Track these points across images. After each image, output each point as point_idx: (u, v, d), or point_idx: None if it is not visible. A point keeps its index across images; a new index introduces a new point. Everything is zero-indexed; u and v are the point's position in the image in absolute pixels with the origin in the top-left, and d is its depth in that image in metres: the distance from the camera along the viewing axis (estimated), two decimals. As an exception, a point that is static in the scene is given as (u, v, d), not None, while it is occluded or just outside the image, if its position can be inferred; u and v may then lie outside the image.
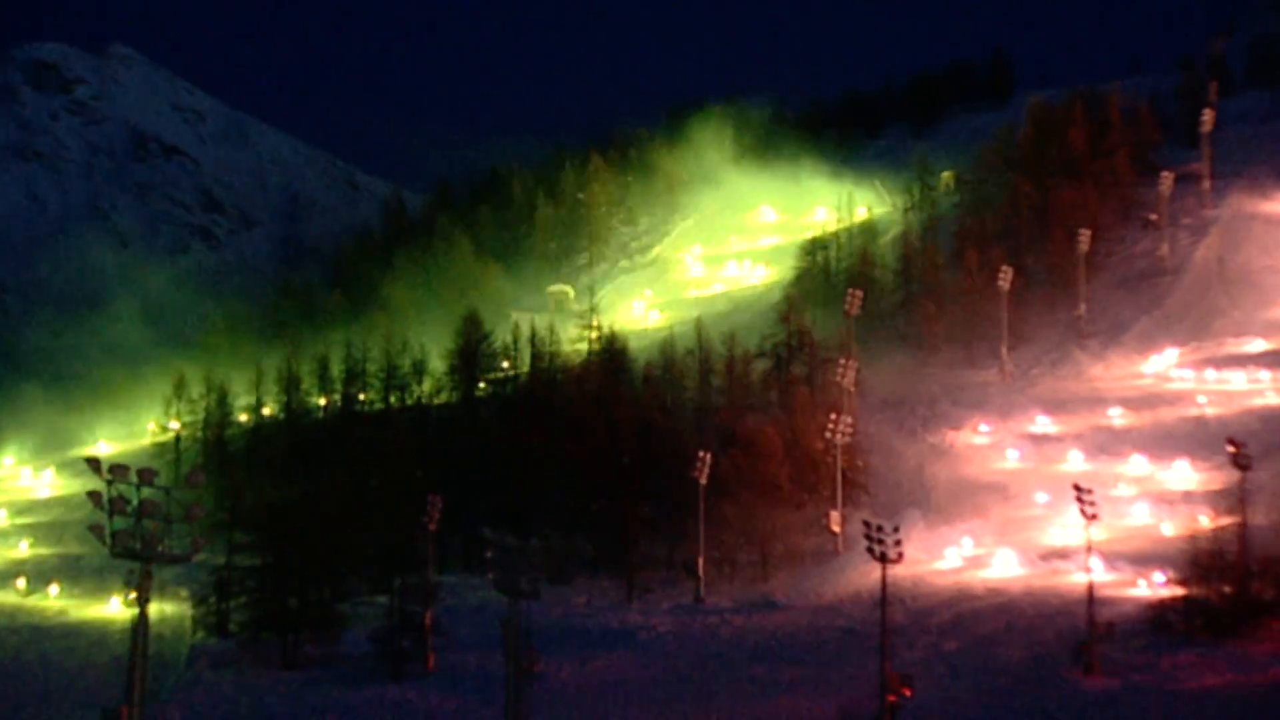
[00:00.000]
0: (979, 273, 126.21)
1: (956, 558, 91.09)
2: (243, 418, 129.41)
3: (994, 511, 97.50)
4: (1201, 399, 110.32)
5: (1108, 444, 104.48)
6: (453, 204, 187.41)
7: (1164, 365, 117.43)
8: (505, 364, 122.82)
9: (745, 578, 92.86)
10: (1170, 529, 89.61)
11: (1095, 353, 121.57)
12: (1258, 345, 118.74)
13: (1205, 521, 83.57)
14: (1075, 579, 79.56)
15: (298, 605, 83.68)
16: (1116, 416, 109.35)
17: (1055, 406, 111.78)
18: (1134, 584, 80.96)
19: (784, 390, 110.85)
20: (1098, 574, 74.95)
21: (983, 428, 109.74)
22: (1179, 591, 74.88)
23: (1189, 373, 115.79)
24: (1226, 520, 79.89)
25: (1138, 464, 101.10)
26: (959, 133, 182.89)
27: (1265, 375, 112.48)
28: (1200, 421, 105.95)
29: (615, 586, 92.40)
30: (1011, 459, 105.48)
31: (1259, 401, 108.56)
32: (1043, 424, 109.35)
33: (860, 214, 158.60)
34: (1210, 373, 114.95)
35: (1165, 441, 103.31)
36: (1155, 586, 79.10)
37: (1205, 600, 73.25)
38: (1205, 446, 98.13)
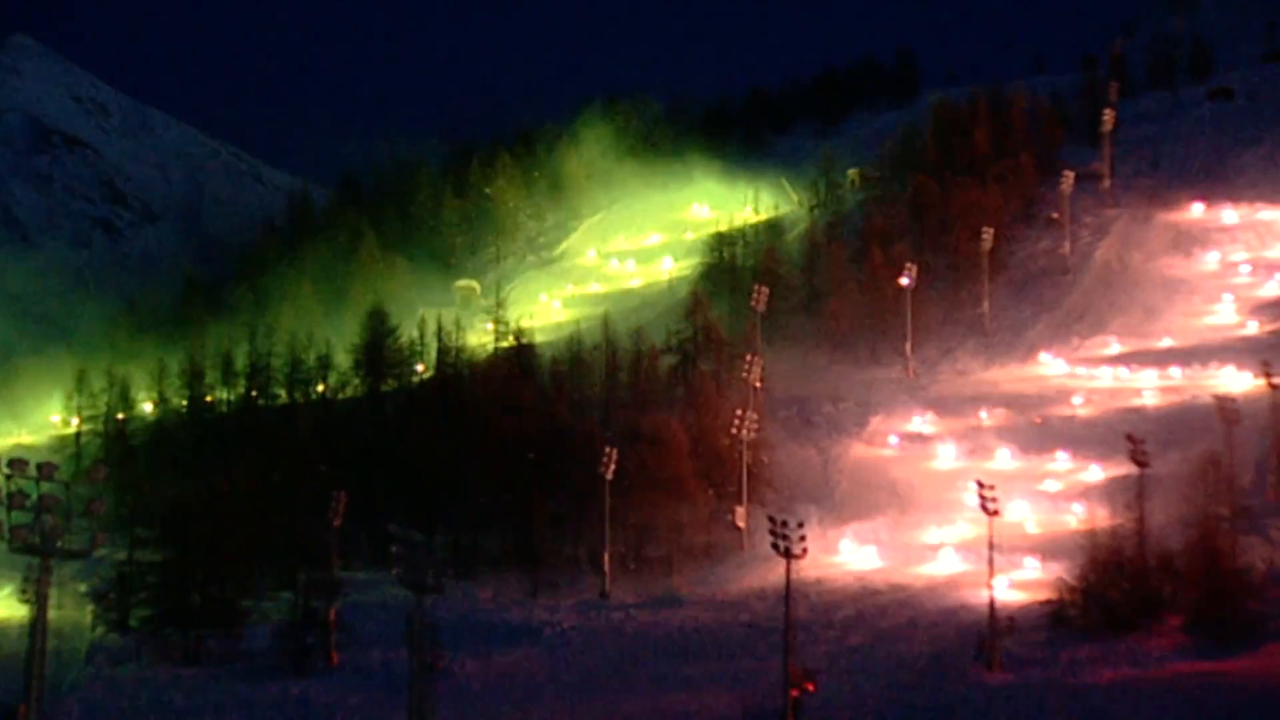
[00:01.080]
0: (883, 270, 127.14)
1: (860, 553, 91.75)
2: (146, 410, 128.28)
3: (896, 507, 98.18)
4: (1101, 395, 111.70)
5: (1010, 440, 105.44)
6: (359, 199, 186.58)
7: (1063, 363, 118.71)
8: (412, 359, 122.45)
9: (650, 573, 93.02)
10: (1072, 524, 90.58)
11: (997, 350, 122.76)
12: (1158, 343, 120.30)
13: (1105, 517, 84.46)
14: (979, 574, 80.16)
15: (200, 601, 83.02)
16: (1018, 413, 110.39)
17: (957, 403, 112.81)
18: (1039, 579, 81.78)
19: (690, 386, 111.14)
20: (1000, 569, 75.61)
21: (885, 425, 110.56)
22: (1076, 585, 75.67)
23: (1089, 370, 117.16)
24: (1125, 516, 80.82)
25: (1039, 459, 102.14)
26: (865, 131, 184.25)
27: (1169, 373, 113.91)
28: (1101, 418, 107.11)
29: (521, 582, 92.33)
30: (913, 455, 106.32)
31: (1160, 399, 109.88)
32: (945, 421, 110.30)
33: (751, 210, 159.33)
34: (1111, 370, 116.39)
35: (1063, 439, 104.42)
36: (1054, 580, 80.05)
37: (1104, 595, 74.15)
38: (1104, 444, 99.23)
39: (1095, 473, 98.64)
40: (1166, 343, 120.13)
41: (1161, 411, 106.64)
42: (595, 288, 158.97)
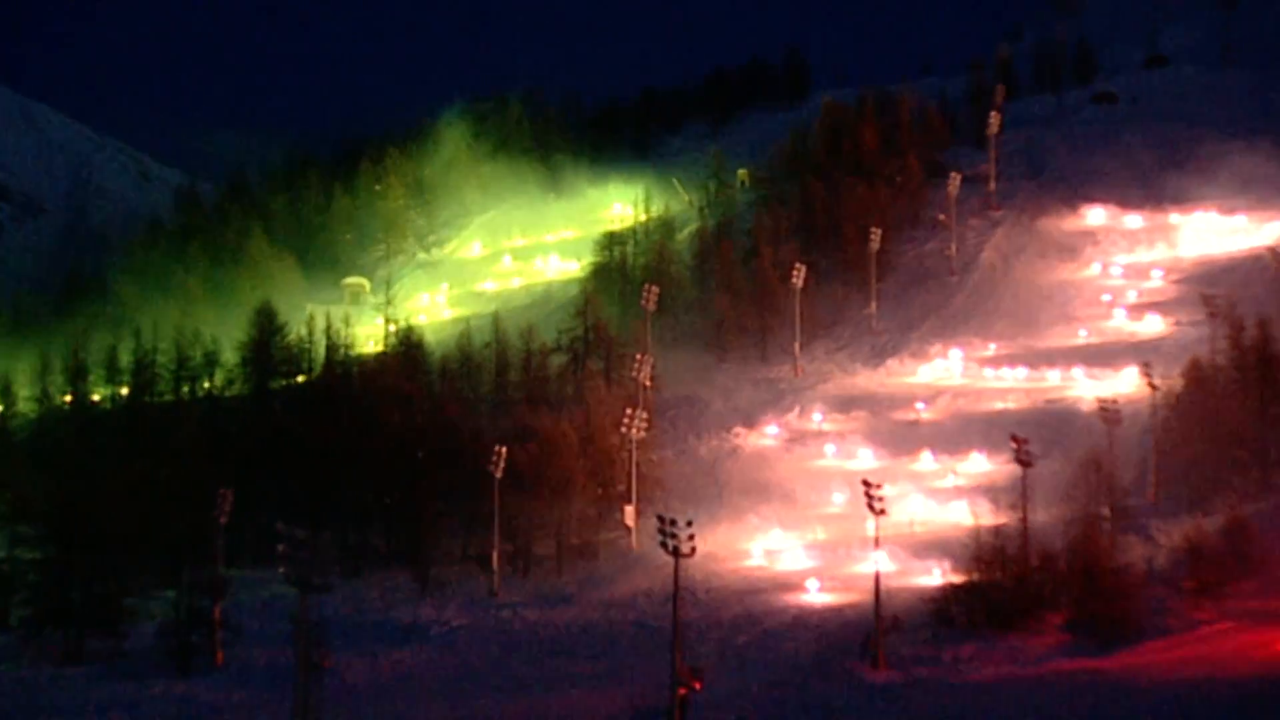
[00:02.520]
0: (773, 270, 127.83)
1: (748, 552, 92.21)
2: (28, 407, 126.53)
3: (784, 507, 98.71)
4: (986, 396, 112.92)
5: (896, 440, 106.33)
6: (247, 194, 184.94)
7: (950, 363, 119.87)
8: (299, 356, 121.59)
9: (539, 572, 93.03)
10: (956, 523, 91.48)
11: (885, 350, 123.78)
12: (1042, 344, 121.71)
13: (989, 516, 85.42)
14: (862, 572, 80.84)
15: (82, 599, 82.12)
16: (905, 413, 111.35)
17: (845, 403, 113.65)
18: (919, 577, 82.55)
19: (580, 385, 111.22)
20: (884, 568, 76.27)
21: (774, 425, 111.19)
22: (960, 584, 76.46)
23: (974, 371, 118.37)
24: (1008, 515, 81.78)
25: (925, 460, 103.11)
26: (755, 131, 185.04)
27: (1052, 374, 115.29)
28: (986, 418, 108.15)
29: (408, 581, 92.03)
30: (802, 455, 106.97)
31: (1043, 400, 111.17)
32: (833, 420, 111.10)
33: (657, 210, 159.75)
34: (996, 371, 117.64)
35: (951, 437, 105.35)
36: (939, 578, 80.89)
37: (987, 594, 74.98)
38: (990, 443, 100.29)
39: (981, 472, 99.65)
40: (1050, 344, 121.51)
41: (1044, 412, 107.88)
42: (485, 286, 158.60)
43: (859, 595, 78.71)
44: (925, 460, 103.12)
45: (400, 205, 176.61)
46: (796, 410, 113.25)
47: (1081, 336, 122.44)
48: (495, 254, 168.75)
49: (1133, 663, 67.48)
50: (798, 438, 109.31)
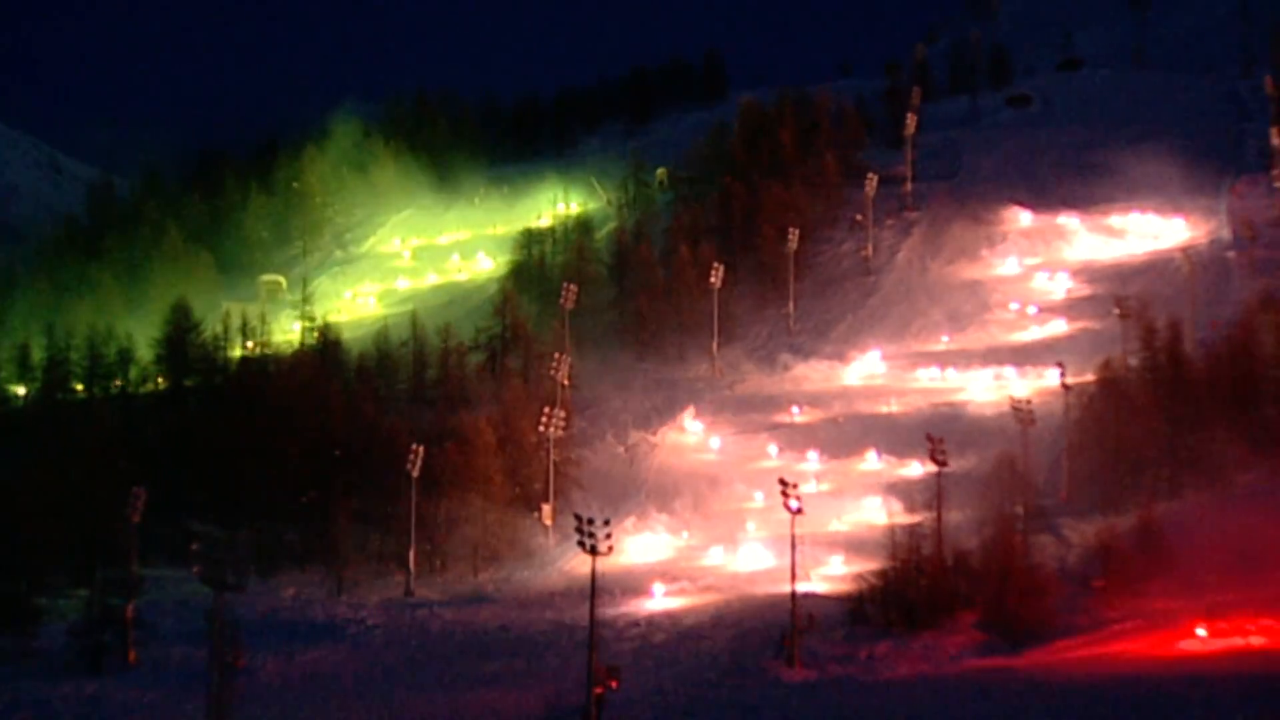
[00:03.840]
0: (691, 270, 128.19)
1: (667, 550, 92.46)
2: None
3: (703, 506, 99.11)
4: (903, 396, 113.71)
5: (812, 440, 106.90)
6: (163, 191, 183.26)
7: (867, 363, 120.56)
8: (215, 354, 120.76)
9: (456, 571, 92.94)
10: (871, 523, 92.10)
11: (802, 350, 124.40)
12: (957, 345, 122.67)
13: (904, 516, 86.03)
14: (782, 571, 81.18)
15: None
16: (822, 412, 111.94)
17: (763, 403, 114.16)
18: (841, 576, 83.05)
19: (498, 384, 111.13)
20: (804, 566, 76.67)
21: (694, 424, 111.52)
22: (875, 583, 76.95)
23: (891, 371, 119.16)
24: (924, 515, 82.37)
25: (843, 459, 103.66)
26: (674, 131, 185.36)
27: (967, 374, 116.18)
28: (900, 418, 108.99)
29: (324, 580, 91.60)
30: (720, 455, 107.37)
31: (958, 399, 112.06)
32: (752, 420, 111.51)
33: (575, 209, 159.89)
34: (911, 371, 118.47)
35: (866, 437, 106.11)
36: (848, 576, 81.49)
37: (902, 593, 75.51)
38: (903, 443, 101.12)
39: (896, 472, 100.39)
40: (965, 344, 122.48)
41: (959, 412, 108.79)
42: (403, 284, 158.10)
43: (777, 594, 79.07)
44: (843, 459, 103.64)
45: (317, 203, 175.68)
46: (714, 409, 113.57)
47: (996, 337, 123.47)
48: (413, 252, 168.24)
49: (1044, 661, 68.17)
50: (715, 438, 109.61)
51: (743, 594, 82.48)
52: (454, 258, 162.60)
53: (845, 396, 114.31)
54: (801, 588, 73.79)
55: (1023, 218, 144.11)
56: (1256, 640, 67.50)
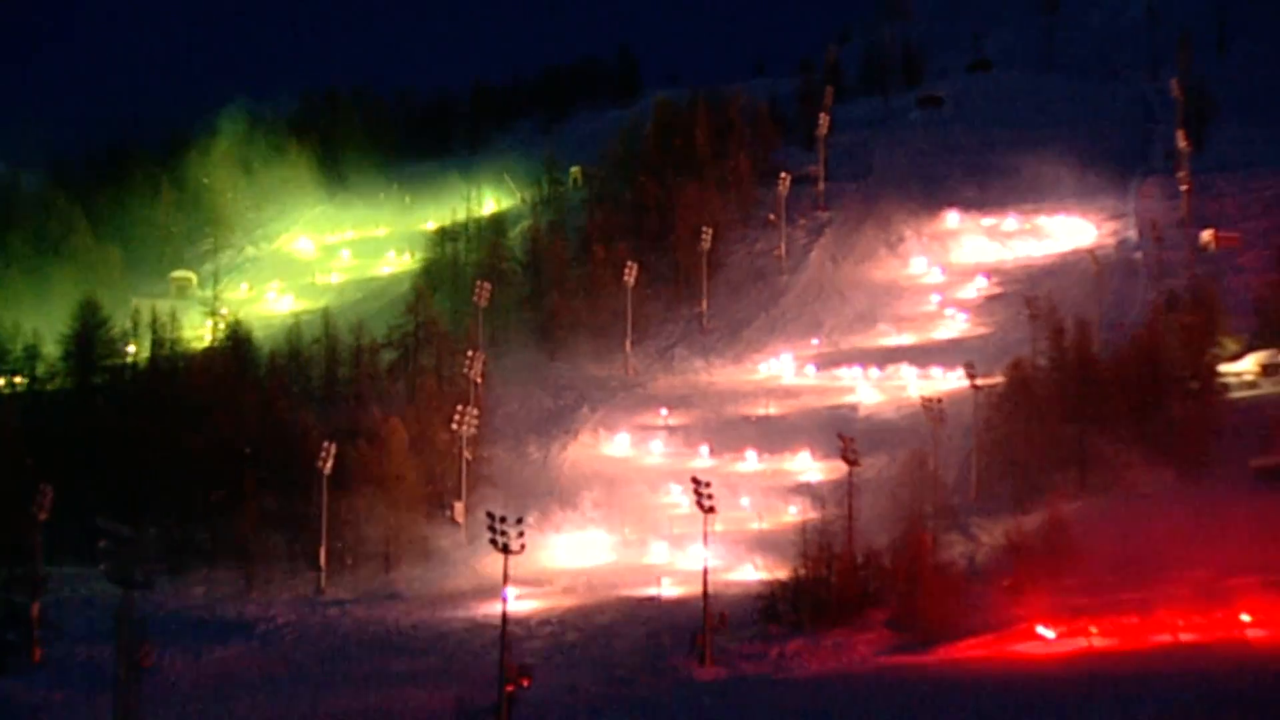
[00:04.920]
0: (605, 268, 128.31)
1: (579, 549, 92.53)
2: None
3: (615, 504, 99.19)
4: (813, 395, 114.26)
5: (725, 438, 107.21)
6: (71, 185, 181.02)
7: (779, 362, 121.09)
8: (124, 351, 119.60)
9: (368, 569, 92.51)
10: (784, 521, 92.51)
11: (715, 349, 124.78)
12: (869, 344, 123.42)
13: (816, 514, 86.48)
14: (693, 569, 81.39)
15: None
16: (734, 411, 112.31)
17: (676, 402, 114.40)
18: (746, 574, 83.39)
19: (411, 381, 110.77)
20: (713, 565, 76.90)
21: (605, 422, 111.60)
22: (786, 581, 77.30)
23: (802, 370, 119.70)
24: (835, 514, 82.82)
25: (754, 458, 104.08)
26: (588, 129, 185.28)
27: (878, 373, 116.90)
28: (813, 417, 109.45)
29: (234, 578, 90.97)
30: (633, 453, 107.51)
31: (870, 399, 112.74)
32: (663, 419, 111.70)
33: (489, 206, 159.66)
34: (822, 370, 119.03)
35: (779, 437, 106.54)
36: (761, 575, 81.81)
37: (813, 591, 75.90)
38: (815, 442, 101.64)
39: (808, 470, 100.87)
40: (876, 343, 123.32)
41: (871, 411, 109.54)
42: (315, 280, 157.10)
43: (688, 592, 79.30)
44: (754, 459, 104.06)
45: (228, 199, 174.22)
46: (627, 408, 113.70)
47: (907, 336, 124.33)
48: (325, 248, 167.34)
49: (953, 658, 68.78)
50: (627, 436, 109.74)
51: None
52: (366, 255, 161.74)
53: (757, 395, 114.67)
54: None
55: (934, 218, 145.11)
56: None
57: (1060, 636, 69.80)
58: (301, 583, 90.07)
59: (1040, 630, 70.04)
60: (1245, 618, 68.74)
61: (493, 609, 75.05)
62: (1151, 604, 71.08)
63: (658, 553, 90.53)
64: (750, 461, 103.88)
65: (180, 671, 71.41)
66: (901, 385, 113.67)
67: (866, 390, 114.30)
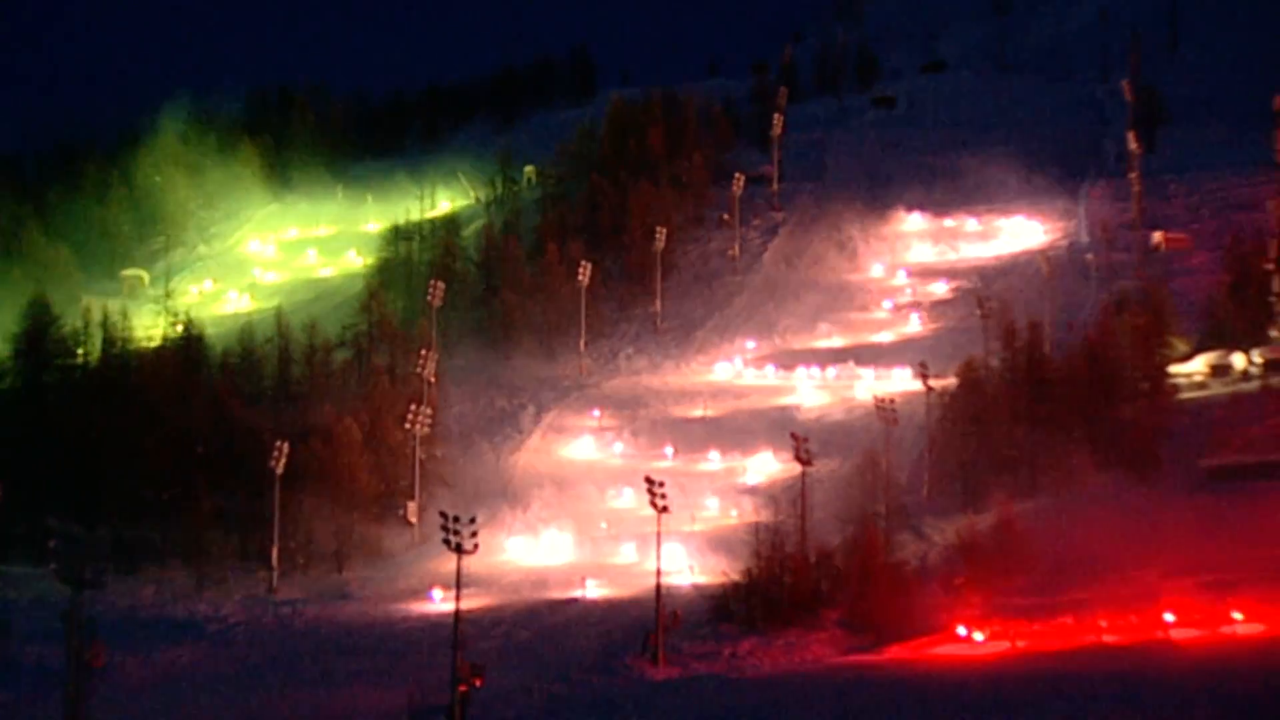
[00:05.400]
0: (559, 268, 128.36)
1: (532, 549, 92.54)
2: None
3: (570, 503, 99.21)
4: (766, 395, 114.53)
5: (679, 439, 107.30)
6: (20, 182, 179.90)
7: (733, 363, 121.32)
8: (74, 349, 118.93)
9: (320, 569, 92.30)
10: (737, 521, 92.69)
11: (670, 349, 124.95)
12: (822, 344, 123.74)
13: (770, 515, 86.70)
14: (647, 569, 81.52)
15: None
16: (689, 412, 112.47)
17: (630, 401, 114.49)
18: (707, 575, 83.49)
19: (364, 380, 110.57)
20: (666, 564, 77.05)
21: (558, 422, 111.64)
22: (739, 580, 77.50)
23: (756, 370, 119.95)
24: (788, 513, 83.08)
25: (709, 458, 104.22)
26: (543, 128, 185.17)
27: (832, 373, 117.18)
28: (768, 417, 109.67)
29: (185, 577, 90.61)
30: (587, 452, 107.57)
31: (823, 399, 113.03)
32: (617, 418, 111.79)
33: (443, 206, 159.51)
34: (777, 370, 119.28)
35: (734, 436, 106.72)
36: (698, 580, 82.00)
37: (766, 591, 76.13)
38: (772, 441, 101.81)
39: (761, 470, 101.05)
40: (831, 343, 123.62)
41: (825, 411, 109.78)
42: (269, 279, 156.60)
43: (641, 591, 79.42)
44: (708, 458, 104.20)
45: (180, 197, 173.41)
46: (580, 407, 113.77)
47: (861, 337, 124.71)
48: (279, 247, 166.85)
49: (904, 658, 69.10)
50: (581, 435, 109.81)
51: (610, 591, 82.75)
52: (318, 254, 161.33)
53: (711, 395, 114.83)
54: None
55: (888, 218, 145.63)
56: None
57: (990, 638, 70.24)
58: (253, 582, 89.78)
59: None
60: (1169, 617, 69.19)
61: (445, 608, 75.06)
62: (1091, 604, 71.52)
63: (606, 553, 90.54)
64: (705, 461, 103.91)
65: (131, 671, 71.10)
66: (849, 385, 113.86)
67: (818, 391, 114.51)
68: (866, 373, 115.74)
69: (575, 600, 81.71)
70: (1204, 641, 66.61)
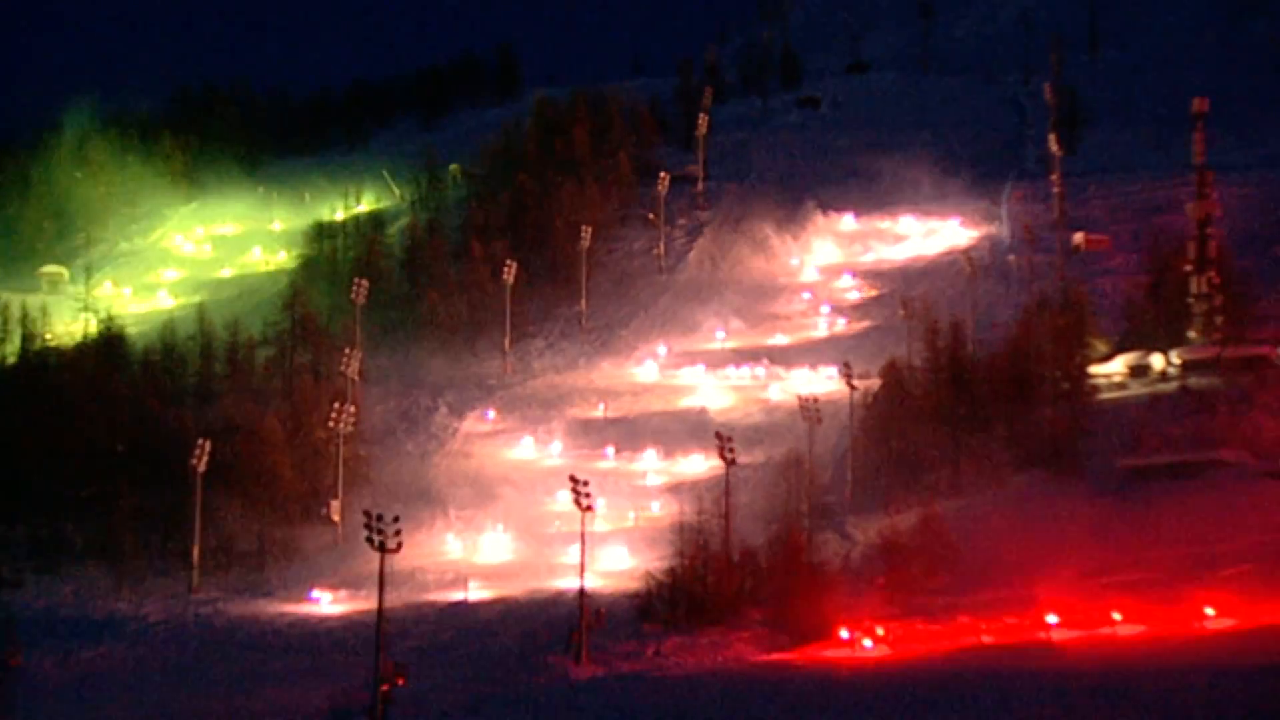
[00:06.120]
0: (483, 266, 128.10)
1: (455, 547, 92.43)
2: None
3: (494, 502, 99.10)
4: (690, 394, 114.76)
5: (604, 437, 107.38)
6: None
7: (657, 361, 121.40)
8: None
9: (242, 568, 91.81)
10: (661, 520, 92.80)
11: (593, 348, 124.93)
12: (747, 343, 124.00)
13: (694, 513, 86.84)
14: (571, 567, 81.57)
15: None
16: (613, 410, 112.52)
17: (554, 400, 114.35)
18: (629, 573, 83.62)
19: (287, 378, 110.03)
20: (593, 563, 77.17)
21: (483, 421, 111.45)
22: (663, 579, 77.62)
23: (679, 369, 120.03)
24: (711, 512, 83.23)
25: (632, 457, 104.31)
26: (467, 126, 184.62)
27: (756, 372, 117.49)
28: (691, 416, 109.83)
29: (105, 576, 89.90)
30: (512, 451, 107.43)
31: (747, 398, 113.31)
32: (541, 417, 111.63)
33: (359, 207, 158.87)
34: (702, 369, 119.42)
35: (658, 435, 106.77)
36: (644, 576, 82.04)
37: (689, 589, 76.30)
38: (694, 441, 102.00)
39: (685, 469, 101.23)
40: (754, 343, 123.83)
41: (748, 410, 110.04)
42: (191, 277, 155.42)
43: (565, 590, 79.49)
44: (632, 458, 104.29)
45: (101, 193, 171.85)
46: (506, 406, 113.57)
47: (784, 337, 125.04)
48: (200, 244, 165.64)
49: (826, 657, 69.43)
50: (505, 433, 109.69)
51: (532, 590, 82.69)
52: (242, 250, 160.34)
53: (635, 394, 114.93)
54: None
55: (811, 218, 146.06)
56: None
57: (937, 633, 70.73)
58: (174, 581, 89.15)
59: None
60: (1052, 619, 69.93)
61: (368, 606, 74.86)
62: (992, 606, 72.22)
63: (537, 550, 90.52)
64: (627, 458, 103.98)
65: (49, 671, 70.62)
66: (779, 384, 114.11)
67: (739, 391, 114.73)
68: (790, 373, 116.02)
69: (461, 602, 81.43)
70: (1082, 642, 67.36)
